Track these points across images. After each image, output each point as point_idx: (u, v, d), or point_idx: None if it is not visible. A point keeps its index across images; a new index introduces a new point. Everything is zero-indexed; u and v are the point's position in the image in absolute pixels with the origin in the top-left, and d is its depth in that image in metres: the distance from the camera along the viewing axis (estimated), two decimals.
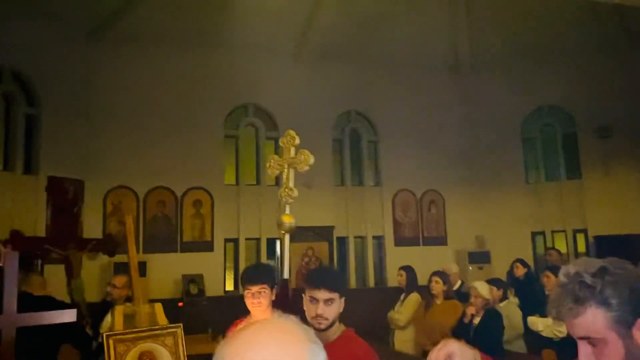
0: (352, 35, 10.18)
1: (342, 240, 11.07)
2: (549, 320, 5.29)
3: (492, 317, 4.84)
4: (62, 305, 4.47)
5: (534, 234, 11.31)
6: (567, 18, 9.88)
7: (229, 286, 10.15)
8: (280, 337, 0.95)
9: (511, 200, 11.35)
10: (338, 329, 2.56)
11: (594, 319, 1.26)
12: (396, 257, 10.45)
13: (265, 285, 3.10)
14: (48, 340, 3.77)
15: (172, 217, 9.82)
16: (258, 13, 9.34)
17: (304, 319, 2.59)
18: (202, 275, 9.48)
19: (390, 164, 11.40)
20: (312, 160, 2.51)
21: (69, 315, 2.86)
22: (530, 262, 8.95)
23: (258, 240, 10.42)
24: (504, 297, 5.72)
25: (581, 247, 10.89)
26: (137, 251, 6.02)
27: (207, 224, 10.06)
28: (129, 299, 5.03)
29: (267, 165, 2.69)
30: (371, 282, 11.12)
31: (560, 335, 5.16)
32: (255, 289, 3.12)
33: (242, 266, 10.20)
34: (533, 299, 5.86)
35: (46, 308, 2.97)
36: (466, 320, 4.92)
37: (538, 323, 5.47)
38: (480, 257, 10.87)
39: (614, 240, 9.47)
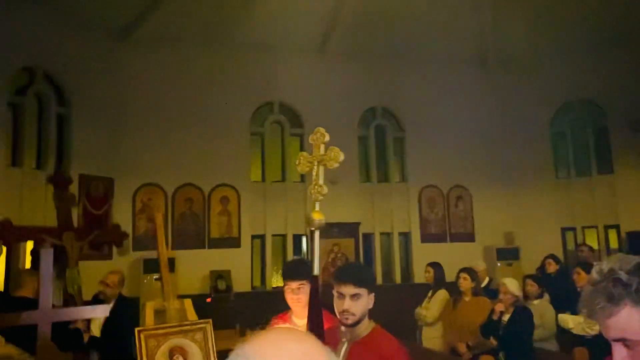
0: (377, 31, 10.12)
1: (368, 237, 11.04)
2: (579, 318, 5.20)
3: (522, 314, 4.78)
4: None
5: (564, 230, 11.10)
6: (597, 9, 9.64)
7: (256, 282, 10.24)
8: (305, 344, 0.96)
9: (541, 195, 11.15)
10: (368, 326, 2.56)
11: (629, 319, 1.18)
12: (423, 254, 10.37)
13: (304, 281, 3.09)
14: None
15: (200, 214, 9.95)
16: (283, 10, 9.37)
17: (334, 315, 2.62)
18: (230, 271, 9.58)
19: (417, 160, 11.32)
20: (342, 157, 2.51)
21: (101, 310, 2.92)
22: (561, 259, 8.80)
23: (284, 236, 10.47)
24: (541, 295, 5.63)
25: (613, 243, 10.65)
26: (166, 247, 6.12)
27: (234, 220, 10.16)
28: (123, 298, 5.09)
29: (297, 162, 2.69)
30: (397, 279, 11.07)
31: (592, 333, 5.06)
32: (294, 285, 3.14)
33: (268, 262, 10.30)
34: (564, 296, 5.75)
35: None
36: (495, 317, 4.86)
37: (568, 320, 5.37)
38: (509, 254, 10.72)
39: None
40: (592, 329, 5.02)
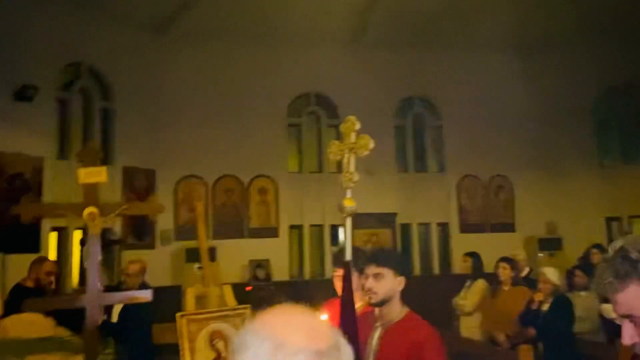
0: (413, 19, 10.00)
1: (406, 227, 11.00)
2: None
3: (561, 303, 4.69)
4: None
5: (609, 220, 10.76)
6: None
7: (294, 271, 10.37)
8: (312, 319, 1.03)
9: (584, 184, 10.82)
10: (401, 311, 2.60)
11: (635, 296, 1.18)
12: (462, 244, 10.24)
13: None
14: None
15: (239, 204, 10.13)
16: (318, 2, 9.38)
17: None
18: (269, 261, 9.72)
19: (455, 149, 11.18)
20: (372, 144, 2.54)
21: (146, 295, 3.05)
22: (606, 249, 8.55)
23: (321, 227, 10.55)
24: (588, 286, 5.51)
25: None
26: (207, 237, 6.26)
27: (272, 210, 10.30)
28: (143, 286, 5.18)
29: (329, 151, 2.74)
30: (436, 270, 11.01)
31: None
32: (341, 272, 3.23)
33: (306, 252, 10.41)
34: None
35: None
36: (533, 306, 4.80)
37: (610, 310, 5.23)
38: (551, 244, 10.48)
39: None
40: None
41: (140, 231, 9.13)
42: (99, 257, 3.04)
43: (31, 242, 7.00)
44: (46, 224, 7.49)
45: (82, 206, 3.77)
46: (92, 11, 8.42)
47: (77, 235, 8.12)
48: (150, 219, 9.15)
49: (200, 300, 3.97)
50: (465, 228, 11.12)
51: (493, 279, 5.86)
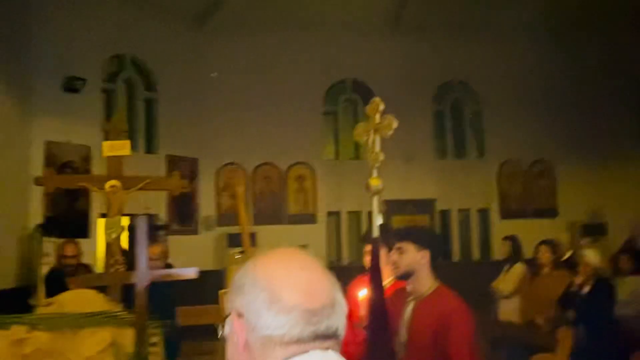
0: (449, 3, 9.87)
1: (445, 214, 10.95)
2: None
3: (602, 286, 4.63)
4: None
5: None
6: None
7: (333, 257, 10.50)
8: (312, 273, 1.04)
9: (629, 168, 10.48)
10: (432, 285, 2.67)
11: None
12: (502, 230, 10.08)
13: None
14: None
15: (278, 192, 10.31)
16: None
17: None
18: (307, 246, 9.86)
19: (495, 133, 11.01)
20: (395, 124, 2.61)
21: (192, 272, 3.21)
22: None
23: (359, 213, 10.61)
24: (636, 271, 5.42)
25: None
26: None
27: (309, 197, 10.44)
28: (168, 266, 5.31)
29: (355, 133, 2.83)
30: (476, 256, 10.93)
31: None
32: (367, 248, 3.41)
33: (344, 238, 10.53)
34: None
35: None
36: (574, 289, 4.75)
37: None
38: (595, 230, 10.21)
39: None
40: None
41: (184, 217, 9.43)
42: (146, 237, 3.21)
43: (83, 228, 7.34)
44: (95, 210, 7.83)
45: (104, 179, 3.96)
46: (134, 4, 8.68)
47: (124, 220, 8.45)
48: (193, 206, 9.45)
49: None
50: (506, 214, 10.98)
51: (533, 263, 5.82)
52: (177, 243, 8.84)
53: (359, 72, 10.66)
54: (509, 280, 5.90)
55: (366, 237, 3.55)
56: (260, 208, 10.15)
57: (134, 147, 8.91)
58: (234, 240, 8.99)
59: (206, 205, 9.84)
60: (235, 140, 9.87)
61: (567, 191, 10.97)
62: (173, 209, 9.20)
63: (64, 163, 7.62)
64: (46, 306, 3.23)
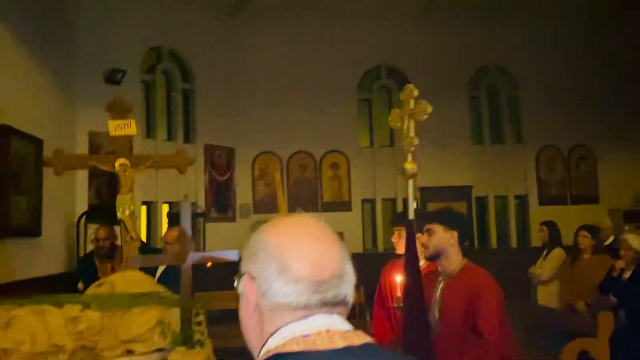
0: None
1: (481, 200, 10.85)
2: None
3: None
4: None
5: None
6: None
7: (368, 244, 10.55)
8: (323, 247, 1.05)
9: None
10: (460, 263, 2.77)
11: None
12: (541, 217, 9.92)
13: (401, 227, 3.47)
14: None
15: (312, 179, 10.40)
16: None
17: None
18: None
19: (533, 119, 10.80)
20: (429, 109, 2.66)
21: (233, 255, 3.32)
22: None
23: (394, 200, 10.62)
24: None
25: None
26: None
27: (344, 185, 10.50)
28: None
29: (389, 119, 2.89)
30: (513, 243, 10.80)
31: None
32: (395, 229, 3.60)
33: (378, 225, 10.56)
34: None
35: None
36: (614, 274, 4.68)
37: None
38: (637, 216, 9.96)
39: None
40: None
41: (222, 205, 9.63)
42: (190, 222, 3.33)
43: None
44: (137, 198, 8.07)
45: (113, 158, 4.09)
46: None
47: (164, 208, 8.72)
48: (230, 194, 9.63)
49: None
50: (545, 200, 10.80)
51: (573, 249, 5.73)
52: (215, 230, 9.07)
53: (393, 59, 10.61)
54: (547, 265, 5.84)
55: (396, 220, 3.75)
56: (295, 196, 10.26)
57: (172, 137, 9.19)
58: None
59: (243, 193, 10.02)
60: (270, 128, 9.98)
61: (608, 177, 10.71)
62: (211, 197, 9.41)
63: (107, 153, 7.86)
64: (97, 287, 3.40)
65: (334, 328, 0.99)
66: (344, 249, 1.08)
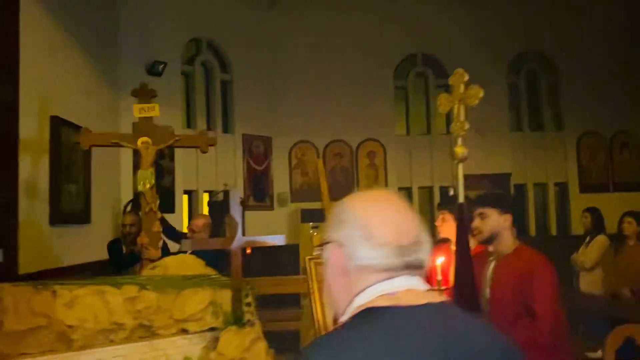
0: None
1: (520, 188, 10.71)
2: None
3: None
4: None
5: None
6: None
7: None
8: (402, 215, 1.18)
9: None
10: (512, 244, 2.81)
11: None
12: (582, 205, 9.74)
13: (444, 211, 3.63)
14: None
15: (349, 168, 10.45)
16: None
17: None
18: None
19: (574, 105, 10.58)
20: (481, 93, 2.67)
21: (279, 240, 3.41)
22: None
23: (431, 188, 10.58)
24: None
25: None
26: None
27: (380, 173, 10.52)
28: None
29: (438, 103, 2.92)
30: (553, 230, 10.65)
31: None
32: (440, 213, 3.70)
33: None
34: None
35: None
36: None
37: None
38: None
39: None
40: None
41: (260, 194, 9.79)
42: (238, 208, 3.44)
43: (168, 203, 7.81)
44: (179, 187, 8.31)
45: (135, 136, 4.32)
46: None
47: (205, 197, 8.93)
48: (268, 182, 9.79)
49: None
50: (586, 188, 10.60)
51: (617, 237, 5.65)
52: (253, 218, 9.23)
53: (429, 46, 10.53)
54: (590, 252, 5.77)
55: (442, 203, 3.88)
56: (332, 184, 10.29)
57: (212, 128, 9.37)
58: (307, 216, 9.27)
59: (280, 182, 10.16)
60: (307, 118, 10.06)
61: None
62: (249, 186, 9.59)
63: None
64: (152, 269, 3.56)
65: (415, 287, 1.12)
66: (420, 219, 1.20)
